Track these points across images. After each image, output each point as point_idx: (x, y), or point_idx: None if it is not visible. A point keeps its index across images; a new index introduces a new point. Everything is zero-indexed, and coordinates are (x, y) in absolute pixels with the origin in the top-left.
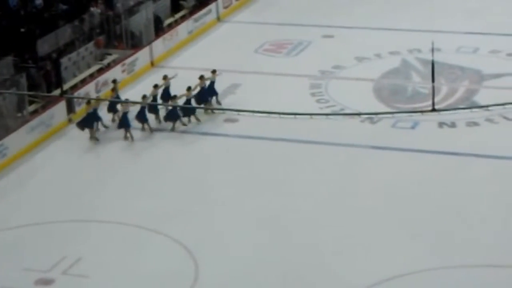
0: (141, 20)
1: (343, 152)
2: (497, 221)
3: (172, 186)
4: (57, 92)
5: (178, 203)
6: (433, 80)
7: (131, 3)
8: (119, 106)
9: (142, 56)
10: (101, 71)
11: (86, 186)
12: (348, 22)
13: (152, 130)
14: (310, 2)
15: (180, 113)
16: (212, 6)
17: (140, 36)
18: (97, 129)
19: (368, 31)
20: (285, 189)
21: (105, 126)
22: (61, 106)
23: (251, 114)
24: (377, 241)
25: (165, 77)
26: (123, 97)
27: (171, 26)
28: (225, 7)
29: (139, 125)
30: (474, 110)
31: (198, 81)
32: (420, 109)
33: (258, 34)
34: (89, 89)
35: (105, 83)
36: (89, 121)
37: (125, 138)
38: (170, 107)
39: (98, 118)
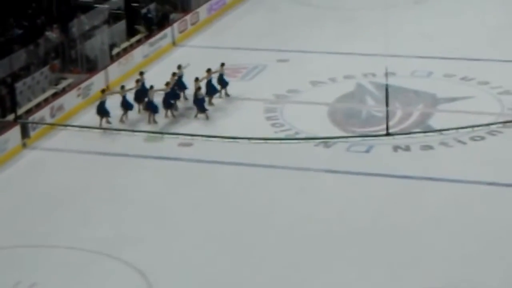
0: (96, 44)
1: (298, 176)
2: (452, 245)
3: (127, 210)
4: (11, 117)
5: (134, 228)
6: (387, 104)
7: (86, 27)
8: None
9: (97, 80)
10: (56, 95)
11: (40, 211)
12: (303, 46)
13: (174, 116)
14: (265, 27)
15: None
16: (167, 30)
17: (95, 60)
18: (108, 121)
19: (323, 55)
20: (240, 213)
21: (109, 122)
22: (16, 131)
23: (205, 138)
24: (332, 265)
25: (179, 67)
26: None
27: (126, 51)
28: (181, 32)
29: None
30: (428, 134)
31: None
32: (374, 133)
33: (213, 58)
34: (44, 113)
35: (60, 108)
36: (100, 111)
37: (149, 121)
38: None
39: (105, 111)
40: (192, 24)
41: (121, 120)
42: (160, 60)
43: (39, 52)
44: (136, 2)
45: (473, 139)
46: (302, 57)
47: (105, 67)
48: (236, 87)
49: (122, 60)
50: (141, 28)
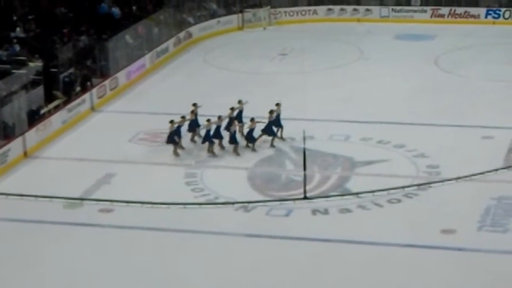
0: (14, 110)
1: (217, 241)
2: None
3: (44, 279)
4: None
5: None
6: (304, 168)
7: (4, 93)
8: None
9: (14, 146)
10: None
11: None
12: (222, 111)
13: (223, 147)
14: (184, 91)
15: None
16: (86, 96)
17: (12, 126)
18: (180, 145)
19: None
20: (160, 279)
21: (182, 147)
22: None
23: (125, 204)
24: None
25: (239, 102)
26: None
27: (44, 116)
28: (99, 97)
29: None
30: (346, 197)
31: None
32: (293, 197)
33: (132, 123)
34: None
35: None
36: (172, 138)
37: (208, 151)
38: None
39: (179, 135)
40: (111, 89)
41: (175, 151)
42: (79, 126)
43: None
44: (54, 67)
45: (390, 201)
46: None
47: (22, 133)
48: (156, 152)
49: (40, 126)
50: (59, 93)
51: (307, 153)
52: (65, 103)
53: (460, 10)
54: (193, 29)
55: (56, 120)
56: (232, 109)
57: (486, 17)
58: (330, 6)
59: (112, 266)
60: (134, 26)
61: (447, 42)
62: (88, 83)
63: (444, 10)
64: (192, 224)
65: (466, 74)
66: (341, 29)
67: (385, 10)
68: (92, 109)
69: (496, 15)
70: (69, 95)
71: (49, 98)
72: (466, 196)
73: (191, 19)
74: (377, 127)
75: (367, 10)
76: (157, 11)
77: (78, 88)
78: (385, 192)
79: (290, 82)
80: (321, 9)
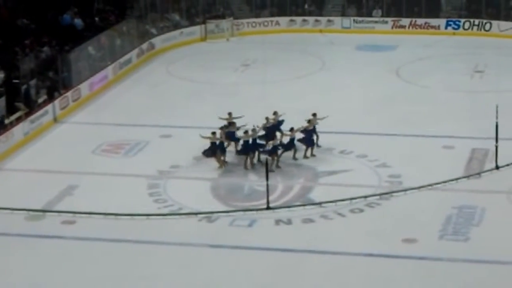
0: None
1: (181, 252)
2: None
3: None
4: None
5: None
6: (267, 179)
7: None
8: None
9: None
10: None
11: None
12: (185, 122)
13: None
14: (147, 102)
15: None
16: (48, 107)
17: None
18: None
19: (205, 130)
20: None
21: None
22: None
23: (88, 215)
24: None
25: (275, 113)
26: None
27: (6, 128)
28: (62, 108)
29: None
30: (309, 207)
31: (306, 124)
32: (256, 207)
33: (95, 135)
34: None
35: None
36: (213, 150)
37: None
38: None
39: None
40: (74, 100)
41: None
42: (42, 137)
43: None
44: (16, 78)
45: (352, 211)
46: (185, 132)
47: None
48: (119, 163)
49: (1, 137)
50: (21, 105)
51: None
52: (27, 114)
53: (420, 21)
54: (156, 40)
55: (18, 131)
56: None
57: (446, 28)
58: (293, 17)
59: (76, 278)
60: (96, 37)
61: (408, 52)
62: (56, 93)
63: (405, 21)
64: (155, 235)
65: (427, 84)
66: (303, 40)
67: (346, 21)
68: (55, 120)
69: (456, 26)
70: (31, 107)
71: (11, 110)
72: (427, 205)
73: (154, 30)
74: (340, 137)
75: (329, 21)
76: (120, 22)
77: (41, 99)
78: (348, 202)
79: (253, 93)
80: (284, 20)
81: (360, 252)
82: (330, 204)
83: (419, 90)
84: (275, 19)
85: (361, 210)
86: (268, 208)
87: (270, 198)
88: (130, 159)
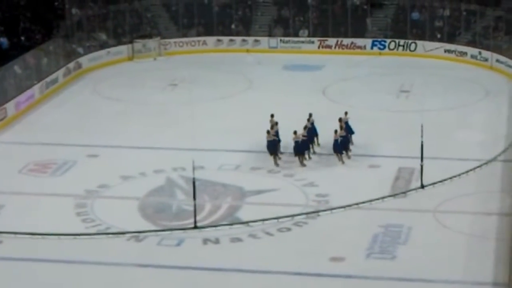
0: None
1: (109, 271)
2: None
3: None
4: None
5: None
6: (194, 198)
7: None
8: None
9: None
10: None
11: None
12: (113, 141)
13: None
14: (74, 122)
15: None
16: None
17: None
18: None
19: (132, 150)
20: None
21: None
22: None
23: (14, 235)
24: None
25: (346, 113)
26: None
27: None
28: None
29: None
30: (236, 226)
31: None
32: (184, 226)
33: (22, 154)
34: None
35: None
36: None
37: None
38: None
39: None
40: (0, 120)
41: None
42: None
43: None
44: None
45: (280, 230)
46: (112, 152)
47: None
48: (46, 183)
49: None
50: None
51: (197, 183)
52: None
53: (347, 41)
54: (83, 60)
55: None
56: (340, 120)
57: (372, 48)
58: (220, 37)
59: None
60: (23, 56)
61: (334, 72)
62: None
63: (331, 41)
64: (83, 255)
65: (353, 104)
66: (230, 59)
67: (273, 41)
68: None
69: (381, 46)
70: None
71: None
72: (354, 224)
73: (80, 50)
74: (267, 157)
75: (256, 41)
76: (46, 41)
77: None
78: (275, 221)
79: (180, 112)
80: (211, 39)
81: (287, 271)
82: (258, 223)
83: (345, 109)
84: (202, 38)
85: (289, 229)
86: (195, 227)
87: (198, 217)
88: (57, 178)
